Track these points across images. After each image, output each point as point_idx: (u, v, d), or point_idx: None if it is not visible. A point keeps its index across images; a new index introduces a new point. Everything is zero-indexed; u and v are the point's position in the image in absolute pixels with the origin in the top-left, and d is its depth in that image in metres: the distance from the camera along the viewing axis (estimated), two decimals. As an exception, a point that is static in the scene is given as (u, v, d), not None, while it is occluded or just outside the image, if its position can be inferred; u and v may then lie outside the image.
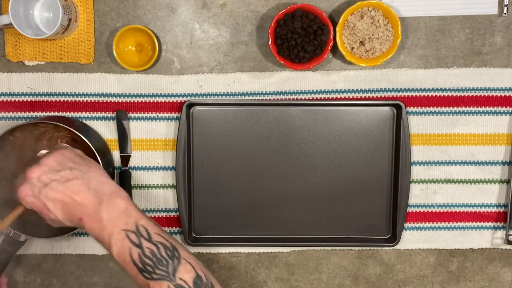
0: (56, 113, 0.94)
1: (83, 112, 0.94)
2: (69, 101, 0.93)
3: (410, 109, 0.93)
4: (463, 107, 0.93)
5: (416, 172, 0.95)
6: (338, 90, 0.93)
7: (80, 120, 0.94)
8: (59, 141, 0.77)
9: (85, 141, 0.86)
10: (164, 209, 0.96)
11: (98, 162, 0.87)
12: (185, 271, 0.66)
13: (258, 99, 0.93)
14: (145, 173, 0.95)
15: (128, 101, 0.94)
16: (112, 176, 0.93)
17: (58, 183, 0.69)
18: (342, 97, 0.93)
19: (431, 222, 0.96)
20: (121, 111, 0.93)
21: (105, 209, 0.68)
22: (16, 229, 0.88)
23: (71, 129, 0.86)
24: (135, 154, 0.95)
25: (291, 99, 0.93)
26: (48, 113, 0.94)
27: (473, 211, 0.96)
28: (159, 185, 0.96)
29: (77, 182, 0.70)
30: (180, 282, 0.65)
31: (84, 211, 0.68)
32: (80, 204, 0.69)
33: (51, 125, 0.88)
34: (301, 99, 0.93)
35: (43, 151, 0.79)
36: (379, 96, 0.93)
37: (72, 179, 0.70)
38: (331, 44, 0.88)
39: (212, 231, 0.96)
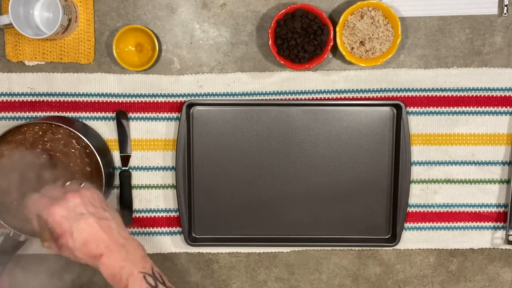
0: (56, 113, 0.94)
1: (83, 112, 0.94)
2: (69, 101, 0.93)
3: (410, 109, 0.93)
4: (463, 107, 0.93)
5: (416, 172, 0.95)
6: (338, 90, 0.93)
7: (80, 120, 0.94)
8: (85, 183, 0.80)
9: (85, 141, 0.86)
10: (164, 209, 0.96)
11: (98, 162, 0.87)
12: None
13: (258, 99, 0.93)
14: (145, 173, 0.95)
15: (128, 101, 0.94)
16: (112, 176, 0.93)
17: (93, 217, 0.73)
18: (342, 97, 0.93)
19: (431, 222, 0.96)
20: (121, 111, 0.93)
21: (127, 251, 0.72)
22: (16, 229, 0.88)
23: (71, 129, 0.86)
24: (135, 154, 0.95)
25: (291, 99, 0.93)
26: (48, 113, 0.94)
27: (473, 211, 0.96)
28: (159, 185, 0.96)
29: (109, 222, 0.74)
30: None
31: (108, 248, 0.72)
32: (105, 242, 0.72)
33: (51, 125, 0.88)
34: (301, 99, 0.93)
35: (72, 183, 0.81)
36: (379, 96, 0.93)
37: (105, 219, 0.74)
38: (331, 44, 0.88)
39: (212, 231, 0.96)
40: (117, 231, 0.73)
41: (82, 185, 0.78)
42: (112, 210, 0.77)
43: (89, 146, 0.86)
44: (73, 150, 0.89)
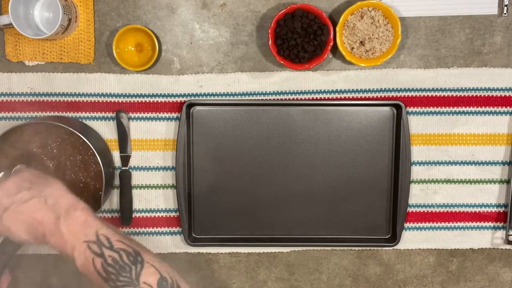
0: (56, 113, 0.94)
1: (83, 112, 0.94)
2: (69, 101, 0.93)
3: (410, 109, 0.93)
4: (463, 107, 0.93)
5: (416, 172, 0.95)
6: (338, 90, 0.93)
7: (80, 120, 0.94)
8: (17, 165, 0.79)
9: (85, 141, 0.86)
10: (164, 209, 0.96)
11: (98, 163, 0.87)
12: (149, 274, 0.66)
13: (258, 99, 0.93)
14: (145, 173, 0.95)
15: (128, 101, 0.94)
16: (112, 176, 0.93)
17: (17, 205, 0.70)
18: (342, 97, 0.93)
19: (431, 222, 0.96)
20: (121, 111, 0.93)
21: (64, 222, 0.68)
22: None
23: (71, 129, 0.86)
24: (135, 154, 0.95)
25: (291, 99, 0.93)
26: (48, 113, 0.94)
27: (473, 211, 0.96)
28: (159, 185, 0.96)
29: (34, 201, 0.70)
30: (144, 286, 0.65)
31: (45, 228, 0.68)
32: (40, 222, 0.69)
33: (51, 125, 0.88)
34: (301, 99, 0.93)
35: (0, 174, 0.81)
36: (379, 96, 0.93)
37: (30, 199, 0.70)
38: (331, 44, 0.88)
39: (212, 231, 0.96)
40: (49, 204, 0.69)
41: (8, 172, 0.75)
42: (41, 183, 0.72)
43: (89, 146, 0.86)
44: (73, 150, 0.89)
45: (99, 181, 0.88)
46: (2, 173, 0.78)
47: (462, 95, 0.93)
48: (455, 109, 0.93)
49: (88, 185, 0.89)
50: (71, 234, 0.67)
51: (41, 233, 0.69)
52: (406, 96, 0.93)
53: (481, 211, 0.96)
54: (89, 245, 0.66)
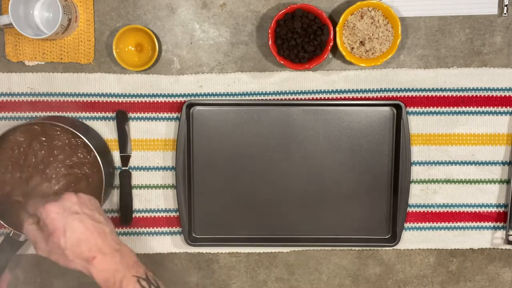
0: (56, 113, 0.94)
1: (83, 112, 0.94)
2: (69, 101, 0.93)
3: (410, 109, 0.93)
4: (463, 107, 0.93)
5: (416, 172, 0.95)
6: (338, 90, 0.93)
7: (80, 120, 0.94)
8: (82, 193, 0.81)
9: (85, 141, 0.86)
10: (164, 209, 0.96)
11: (98, 163, 0.87)
12: None
13: (258, 99, 0.93)
14: (145, 173, 0.95)
15: (128, 101, 0.94)
16: (112, 176, 0.93)
17: (88, 218, 0.73)
18: (342, 97, 0.93)
19: (431, 222, 0.96)
20: (121, 111, 0.93)
21: (121, 255, 0.73)
22: (15, 229, 0.88)
23: (71, 129, 0.86)
24: (135, 154, 0.95)
25: (291, 99, 0.93)
26: (48, 113, 0.94)
27: (473, 211, 0.96)
28: (159, 185, 0.96)
29: (103, 226, 0.74)
30: None
31: (101, 251, 0.72)
32: (98, 245, 0.72)
33: (51, 125, 0.88)
34: (301, 99, 0.93)
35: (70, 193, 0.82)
36: (379, 96, 0.93)
37: (100, 222, 0.74)
38: (331, 44, 0.88)
39: (212, 231, 0.96)
40: (111, 237, 0.74)
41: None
42: (106, 217, 0.77)
43: (90, 146, 0.86)
44: (73, 150, 0.89)
45: (99, 181, 0.88)
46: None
47: (462, 95, 0.93)
48: (455, 109, 0.93)
49: (89, 185, 0.89)
50: (124, 265, 0.72)
51: (92, 254, 0.71)
52: (406, 96, 0.93)
53: (481, 211, 0.96)
54: (139, 280, 0.71)
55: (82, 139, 0.86)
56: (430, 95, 0.93)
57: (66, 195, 0.74)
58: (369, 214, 0.95)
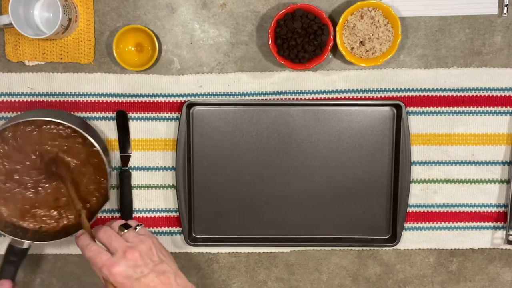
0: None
1: (83, 112, 0.94)
2: (69, 101, 0.93)
3: (410, 109, 0.93)
4: (463, 107, 0.93)
5: (416, 172, 0.95)
6: (338, 90, 0.93)
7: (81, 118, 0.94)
8: (141, 227, 0.80)
9: (90, 139, 0.85)
10: (164, 209, 0.96)
11: (103, 162, 0.86)
12: None
13: (258, 99, 0.93)
14: (145, 173, 0.95)
15: (128, 101, 0.94)
16: (112, 176, 0.93)
17: (154, 275, 0.73)
18: (342, 97, 0.93)
19: (431, 222, 0.96)
20: (121, 111, 0.93)
21: None
22: (18, 237, 0.88)
23: (73, 126, 0.85)
24: (135, 154, 0.95)
25: (291, 99, 0.93)
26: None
27: (473, 211, 0.96)
28: (159, 185, 0.96)
29: (167, 274, 0.74)
30: None
31: None
32: None
33: (52, 122, 0.88)
34: (301, 99, 0.93)
35: (132, 222, 0.81)
36: (379, 96, 0.93)
37: (165, 272, 0.74)
38: (331, 44, 0.88)
39: (212, 231, 0.96)
40: (175, 282, 0.74)
41: (138, 228, 0.79)
42: (168, 256, 0.78)
43: (94, 144, 0.86)
44: (76, 149, 0.89)
45: (103, 175, 0.88)
46: (139, 226, 0.80)
47: (462, 95, 0.93)
48: (455, 109, 0.93)
49: (93, 180, 0.89)
50: None
51: None
52: (406, 96, 0.93)
53: (481, 211, 0.96)
54: None
55: (86, 137, 0.86)
56: (430, 95, 0.93)
57: (128, 254, 0.73)
58: (369, 214, 0.95)
